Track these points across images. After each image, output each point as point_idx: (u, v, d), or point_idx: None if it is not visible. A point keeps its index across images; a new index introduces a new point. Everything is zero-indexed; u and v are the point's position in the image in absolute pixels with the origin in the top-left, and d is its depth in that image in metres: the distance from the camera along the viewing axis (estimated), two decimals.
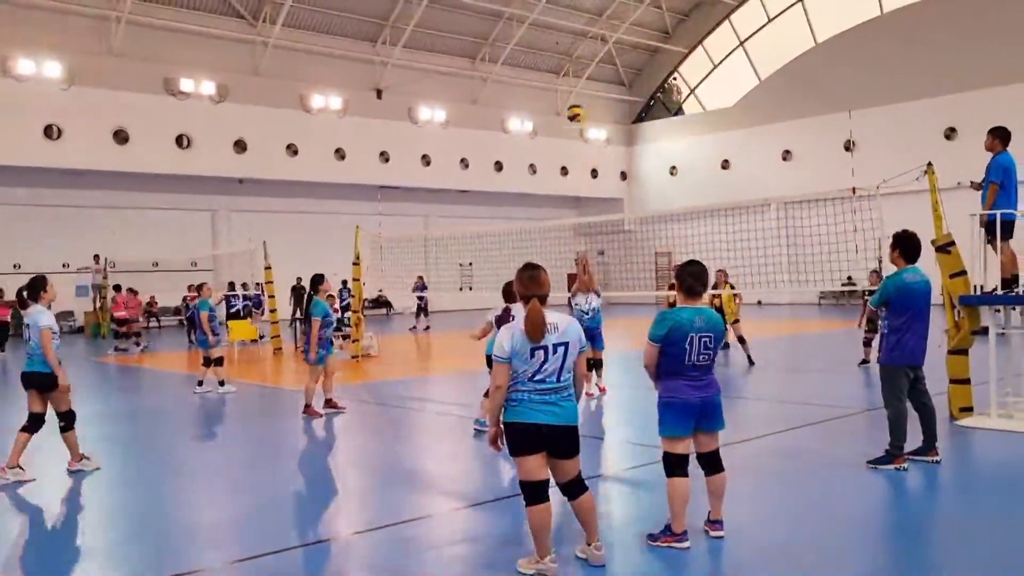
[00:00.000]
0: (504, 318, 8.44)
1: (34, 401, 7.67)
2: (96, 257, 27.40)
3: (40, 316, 7.50)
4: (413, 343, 23.15)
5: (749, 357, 14.97)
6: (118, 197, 29.93)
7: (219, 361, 13.06)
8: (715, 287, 15.07)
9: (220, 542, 5.90)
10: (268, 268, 20.30)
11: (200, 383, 12.99)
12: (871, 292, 10.92)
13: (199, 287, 14.38)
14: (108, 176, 28.61)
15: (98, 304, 26.80)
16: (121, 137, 27.67)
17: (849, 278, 18.10)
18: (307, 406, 10.74)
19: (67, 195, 28.84)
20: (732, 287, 15.86)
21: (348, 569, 5.31)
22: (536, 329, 4.73)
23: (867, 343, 13.77)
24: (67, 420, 7.70)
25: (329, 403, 10.99)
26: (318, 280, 11.05)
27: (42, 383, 7.56)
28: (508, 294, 8.92)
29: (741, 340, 15.24)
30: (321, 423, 10.39)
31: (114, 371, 17.79)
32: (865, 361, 13.85)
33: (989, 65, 29.53)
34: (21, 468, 7.58)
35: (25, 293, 7.71)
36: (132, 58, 28.03)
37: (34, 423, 7.66)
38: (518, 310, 5.84)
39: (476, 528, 6.10)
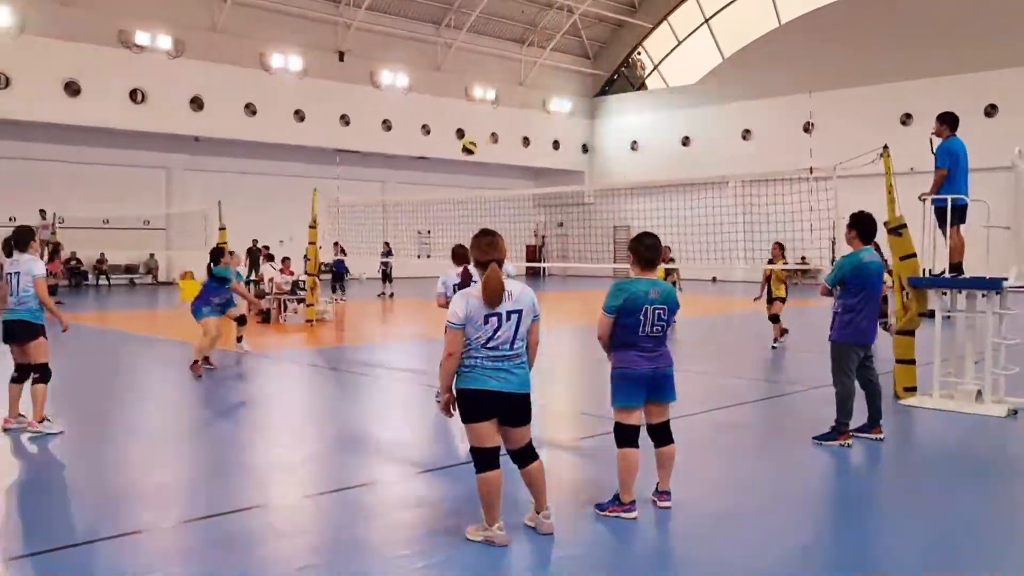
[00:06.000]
0: (465, 282, 8.22)
1: (18, 352, 7.68)
2: (43, 212, 26.72)
3: (33, 264, 7.58)
4: (369, 309, 22.99)
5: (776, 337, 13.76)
6: (68, 151, 29.08)
7: (241, 320, 12.99)
8: (771, 262, 13.80)
9: (169, 503, 5.83)
10: (223, 229, 19.99)
11: (239, 339, 13.10)
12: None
13: (229, 254, 13.46)
14: (58, 129, 27.77)
15: (44, 260, 26.14)
16: (72, 89, 26.87)
17: (803, 258, 18.34)
18: (196, 363, 11.03)
19: (14, 147, 27.89)
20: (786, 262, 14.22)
21: (296, 532, 5.27)
22: (495, 295, 4.71)
23: None
24: (43, 372, 7.62)
25: (207, 360, 11.43)
26: (219, 253, 11.66)
27: (25, 332, 7.55)
28: (458, 256, 8.72)
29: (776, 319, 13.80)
30: (276, 384, 10.26)
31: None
32: None
33: (946, 53, 29.92)
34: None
35: (13, 243, 7.72)
36: (85, 7, 27.16)
37: (24, 373, 7.69)
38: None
39: (426, 494, 6.09)
